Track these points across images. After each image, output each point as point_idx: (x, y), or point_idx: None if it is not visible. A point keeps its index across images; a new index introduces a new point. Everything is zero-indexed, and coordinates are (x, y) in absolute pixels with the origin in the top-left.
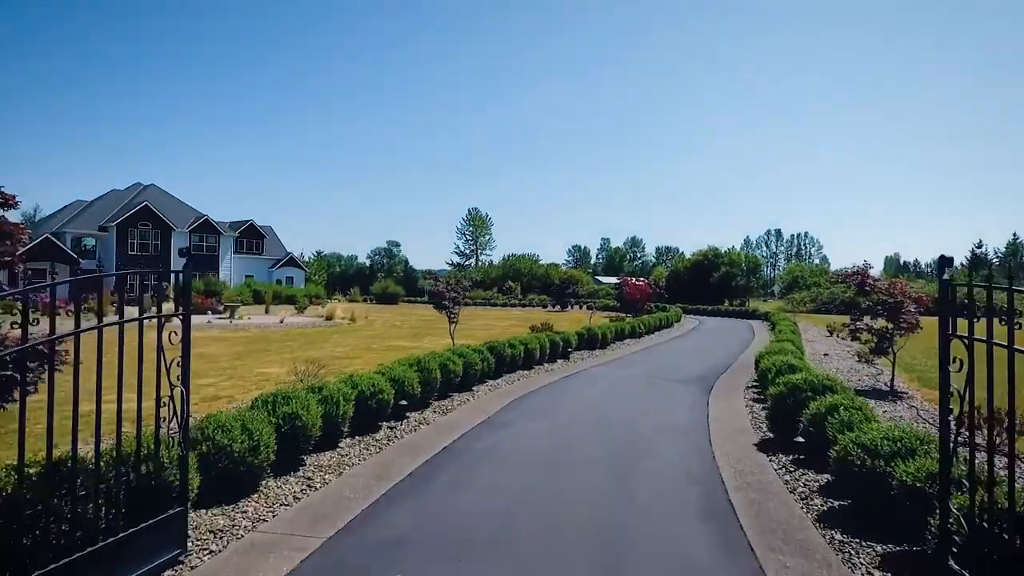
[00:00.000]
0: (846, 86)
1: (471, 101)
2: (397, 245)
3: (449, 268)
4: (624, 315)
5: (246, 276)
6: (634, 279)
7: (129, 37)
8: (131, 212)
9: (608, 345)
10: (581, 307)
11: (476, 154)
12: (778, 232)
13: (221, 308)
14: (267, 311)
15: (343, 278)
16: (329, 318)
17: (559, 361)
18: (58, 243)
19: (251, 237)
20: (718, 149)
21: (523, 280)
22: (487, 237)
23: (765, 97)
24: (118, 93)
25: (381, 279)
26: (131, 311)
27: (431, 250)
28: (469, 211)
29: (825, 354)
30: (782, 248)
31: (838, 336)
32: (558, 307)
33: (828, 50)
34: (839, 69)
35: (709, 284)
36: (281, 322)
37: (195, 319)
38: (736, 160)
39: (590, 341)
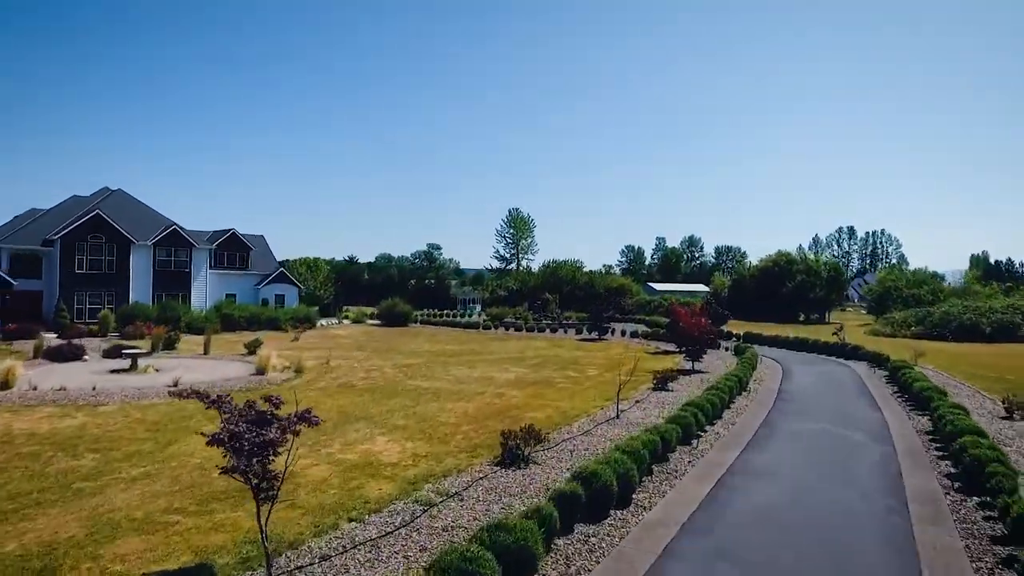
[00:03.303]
0: (916, 74)
1: (519, 102)
2: (438, 248)
3: (489, 272)
4: (678, 352)
5: (227, 295)
6: (688, 309)
7: (135, 37)
8: (79, 223)
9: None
10: (624, 334)
11: (525, 154)
12: (851, 230)
13: (124, 351)
14: (206, 350)
15: (371, 286)
16: (261, 371)
17: None
18: None
19: (233, 250)
20: (783, 143)
21: (564, 290)
22: (529, 240)
23: (833, 87)
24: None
25: (412, 287)
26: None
27: (478, 253)
28: (510, 211)
29: None
30: (855, 247)
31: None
32: (595, 333)
33: (905, 43)
34: (914, 61)
35: (780, 295)
36: (174, 386)
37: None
38: (803, 154)
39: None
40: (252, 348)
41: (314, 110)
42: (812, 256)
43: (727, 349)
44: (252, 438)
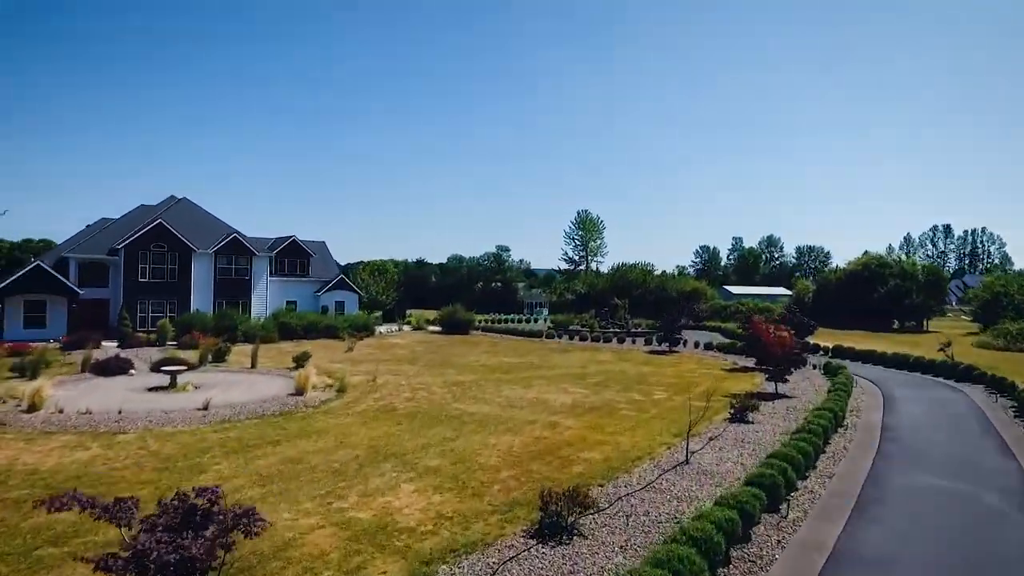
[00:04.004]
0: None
1: (593, 102)
2: (507, 250)
3: (558, 274)
4: (757, 369)
5: (287, 303)
6: (770, 325)
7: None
8: (142, 232)
9: None
10: (698, 346)
11: (597, 154)
12: (947, 228)
13: (164, 367)
14: (253, 363)
15: (439, 289)
16: (299, 391)
17: None
18: (50, 271)
19: (293, 256)
20: (869, 139)
21: (633, 294)
22: (598, 242)
23: (926, 79)
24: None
25: (479, 290)
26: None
27: (549, 254)
28: (578, 213)
29: None
30: (951, 247)
31: None
32: (665, 344)
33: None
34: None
35: (871, 301)
36: (204, 408)
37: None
38: (893, 148)
39: None
40: (300, 362)
41: (395, 113)
42: (905, 258)
43: (814, 367)
44: (164, 555)
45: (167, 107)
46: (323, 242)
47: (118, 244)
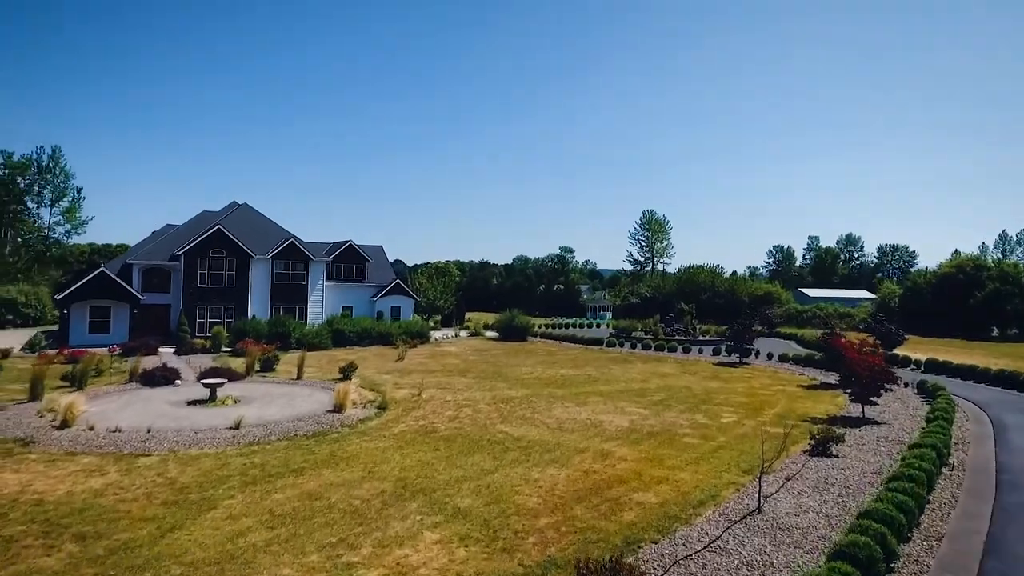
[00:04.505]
0: None
1: (661, 101)
2: (571, 251)
3: (624, 275)
4: (839, 387)
5: (343, 308)
6: (856, 343)
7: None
8: (201, 238)
9: None
10: (771, 357)
11: (664, 152)
12: None
13: (205, 380)
14: (299, 374)
15: (500, 292)
16: (338, 408)
17: None
18: (113, 277)
19: (349, 261)
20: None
21: (701, 298)
22: (664, 243)
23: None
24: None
25: (540, 293)
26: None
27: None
28: (644, 213)
29: None
30: None
31: None
32: (735, 355)
33: None
34: None
35: (966, 308)
36: (235, 427)
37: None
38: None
39: None
40: (346, 373)
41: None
42: (1003, 258)
43: (906, 384)
44: None
45: (230, 111)
46: (380, 246)
47: (178, 250)
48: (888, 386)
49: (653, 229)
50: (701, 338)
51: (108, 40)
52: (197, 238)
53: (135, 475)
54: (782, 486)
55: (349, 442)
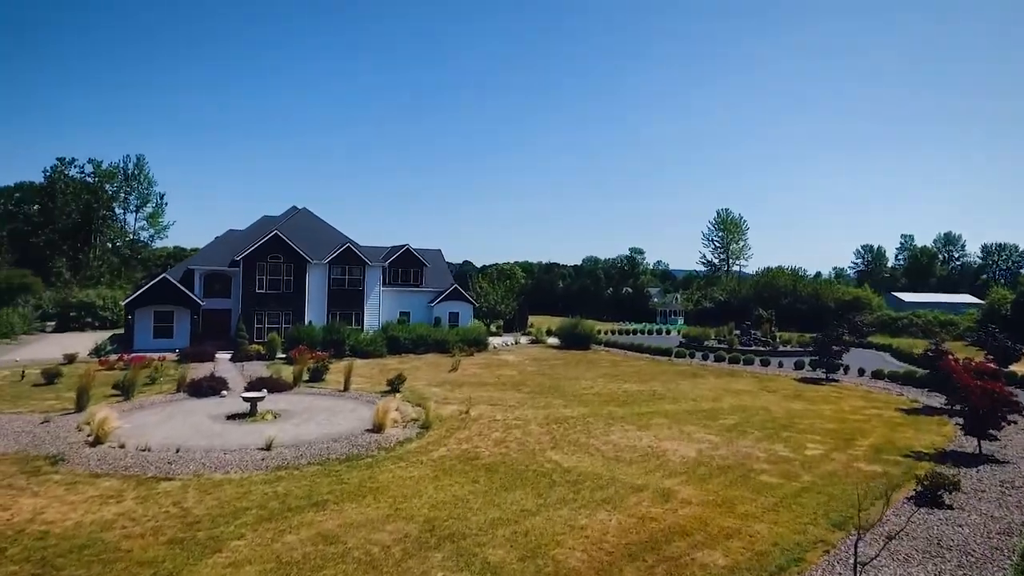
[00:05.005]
0: None
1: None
2: (640, 252)
3: (698, 276)
4: (946, 410)
5: (400, 314)
6: (970, 363)
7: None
8: (260, 244)
9: None
10: (863, 373)
11: (743, 148)
12: None
13: (247, 394)
14: (346, 386)
15: (567, 295)
16: (377, 428)
17: None
18: (175, 283)
19: (407, 266)
20: None
21: (781, 303)
22: (741, 244)
23: None
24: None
25: (608, 296)
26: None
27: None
28: (718, 212)
29: None
30: None
31: None
32: (821, 370)
33: None
34: None
35: None
36: (267, 448)
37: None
38: None
39: None
40: (394, 385)
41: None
42: None
43: None
44: None
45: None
46: (438, 250)
47: (237, 256)
48: (1012, 416)
49: (728, 229)
50: (781, 348)
51: (185, 52)
52: (255, 244)
53: (151, 504)
54: (883, 548)
55: (382, 469)
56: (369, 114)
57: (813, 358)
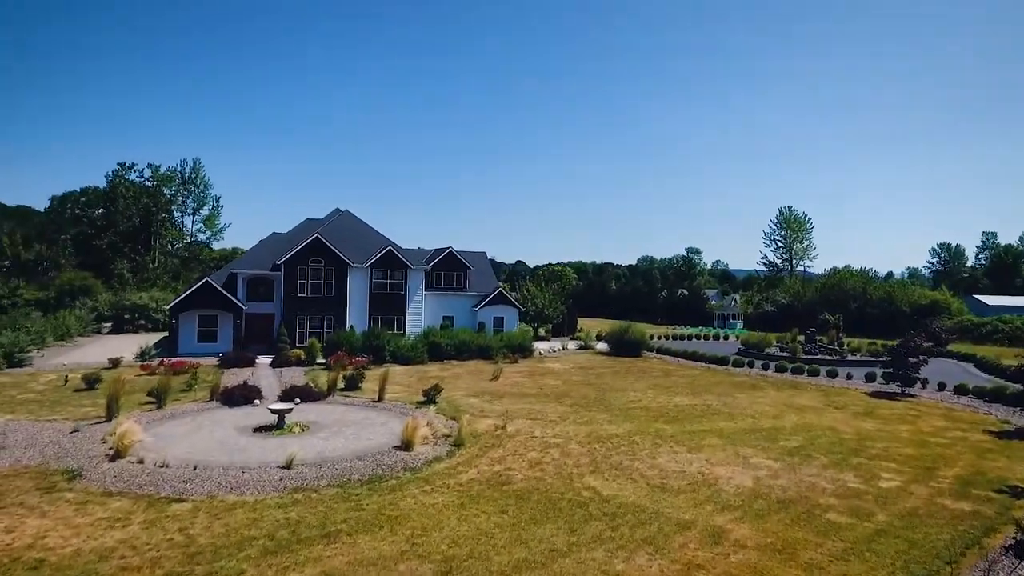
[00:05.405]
0: None
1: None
2: (697, 252)
3: (761, 276)
4: None
5: (444, 318)
6: None
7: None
8: (301, 247)
9: None
10: (943, 387)
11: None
12: None
13: (275, 408)
14: (380, 396)
15: (620, 297)
16: (406, 445)
17: None
18: (217, 287)
19: (450, 269)
20: None
21: (850, 307)
22: (805, 243)
23: None
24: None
25: (662, 299)
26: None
27: (748, 257)
28: (780, 210)
29: None
30: None
31: None
32: (895, 384)
33: None
34: None
35: None
36: (287, 467)
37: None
38: None
39: None
40: (430, 396)
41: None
42: None
43: None
44: None
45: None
46: (483, 252)
47: (279, 260)
48: None
49: (792, 228)
50: (850, 358)
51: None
52: (296, 247)
53: (156, 530)
54: None
55: (405, 493)
56: (432, 116)
57: (886, 370)
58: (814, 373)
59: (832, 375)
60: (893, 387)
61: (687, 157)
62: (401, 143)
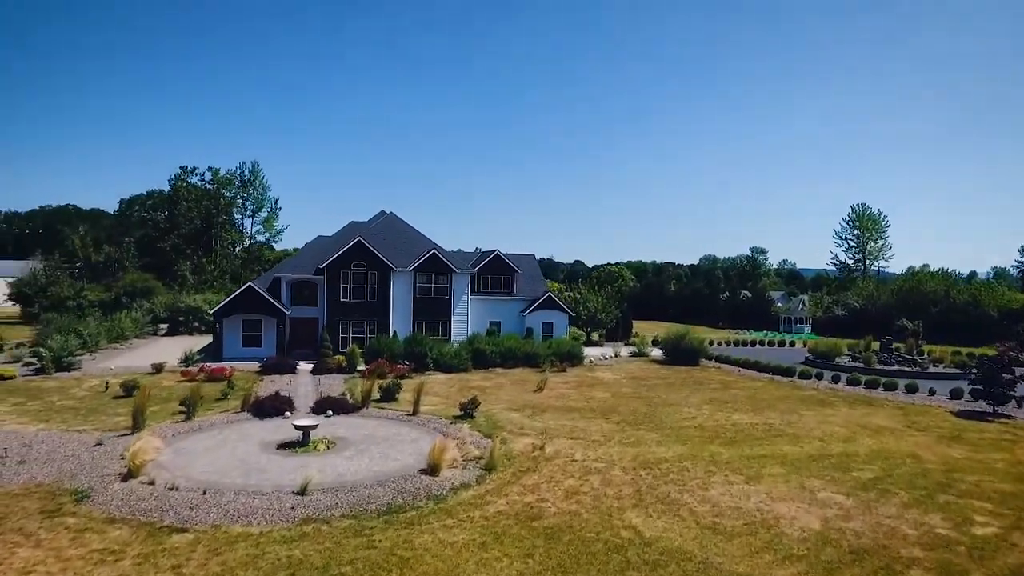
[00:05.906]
0: None
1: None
2: (762, 252)
3: (829, 278)
4: None
5: (490, 323)
6: None
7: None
8: (343, 251)
9: None
10: None
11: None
12: None
13: (304, 424)
14: (415, 409)
15: (679, 299)
16: (432, 469)
17: None
18: (259, 291)
19: (496, 273)
20: None
21: (931, 312)
22: (880, 243)
23: None
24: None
25: (723, 301)
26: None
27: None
28: (852, 208)
29: None
30: None
31: None
32: (986, 402)
33: None
34: None
35: None
36: (301, 492)
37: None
38: None
39: None
40: (467, 410)
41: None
42: None
43: None
44: None
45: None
46: (531, 255)
47: (321, 264)
48: None
49: (865, 226)
50: (931, 369)
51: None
52: (338, 251)
53: (148, 566)
54: None
55: (423, 528)
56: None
57: (975, 386)
58: (891, 387)
59: (912, 390)
60: (983, 405)
61: (758, 153)
62: (452, 143)
